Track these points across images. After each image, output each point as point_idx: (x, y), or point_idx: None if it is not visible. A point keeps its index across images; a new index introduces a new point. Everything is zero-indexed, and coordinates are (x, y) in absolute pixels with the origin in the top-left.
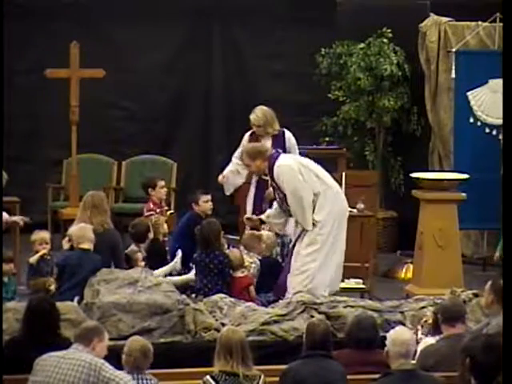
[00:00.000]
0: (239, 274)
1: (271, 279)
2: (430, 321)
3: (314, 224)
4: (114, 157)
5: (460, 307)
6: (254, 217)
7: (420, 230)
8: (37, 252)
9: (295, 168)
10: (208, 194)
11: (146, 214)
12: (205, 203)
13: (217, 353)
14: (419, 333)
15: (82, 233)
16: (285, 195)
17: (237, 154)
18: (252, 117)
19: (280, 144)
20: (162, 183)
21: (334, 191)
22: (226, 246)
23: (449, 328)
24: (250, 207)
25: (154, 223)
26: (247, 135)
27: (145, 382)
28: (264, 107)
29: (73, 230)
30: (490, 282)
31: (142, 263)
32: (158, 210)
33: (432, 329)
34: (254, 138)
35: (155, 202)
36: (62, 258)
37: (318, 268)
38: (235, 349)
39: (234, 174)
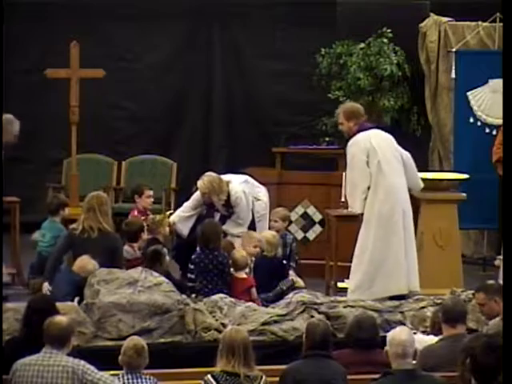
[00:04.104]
0: (243, 274)
1: (274, 280)
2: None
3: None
4: (114, 157)
5: (461, 308)
6: None
7: (420, 230)
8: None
9: (363, 150)
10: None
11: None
12: None
13: (219, 352)
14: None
15: (81, 264)
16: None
17: (190, 203)
18: (199, 183)
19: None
20: (149, 193)
21: (382, 192)
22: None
23: (449, 328)
24: None
25: (157, 222)
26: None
27: (143, 381)
28: (213, 175)
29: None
30: (476, 287)
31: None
32: (142, 219)
33: (432, 329)
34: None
35: (140, 210)
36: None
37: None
38: (237, 349)
39: (181, 219)
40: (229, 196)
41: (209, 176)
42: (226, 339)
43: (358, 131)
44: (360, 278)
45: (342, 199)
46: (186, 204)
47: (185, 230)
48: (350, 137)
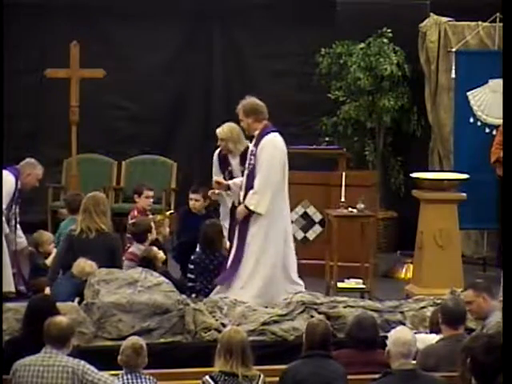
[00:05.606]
0: None
1: None
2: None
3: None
4: (113, 157)
5: (461, 308)
6: (224, 182)
7: (420, 230)
8: (48, 253)
9: (282, 154)
10: (195, 193)
11: (130, 221)
12: (190, 200)
13: (217, 352)
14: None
15: (78, 268)
16: (254, 166)
17: (214, 170)
18: (218, 130)
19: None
20: (149, 193)
21: (285, 196)
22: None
23: (449, 329)
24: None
25: (157, 222)
26: (216, 154)
27: (143, 381)
28: (233, 125)
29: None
30: (465, 286)
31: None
32: None
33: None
34: (222, 156)
35: (140, 210)
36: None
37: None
38: (235, 349)
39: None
40: (245, 149)
41: (229, 125)
42: (224, 339)
43: (269, 131)
44: (261, 284)
45: (342, 199)
46: (213, 173)
47: (235, 197)
48: (261, 135)
